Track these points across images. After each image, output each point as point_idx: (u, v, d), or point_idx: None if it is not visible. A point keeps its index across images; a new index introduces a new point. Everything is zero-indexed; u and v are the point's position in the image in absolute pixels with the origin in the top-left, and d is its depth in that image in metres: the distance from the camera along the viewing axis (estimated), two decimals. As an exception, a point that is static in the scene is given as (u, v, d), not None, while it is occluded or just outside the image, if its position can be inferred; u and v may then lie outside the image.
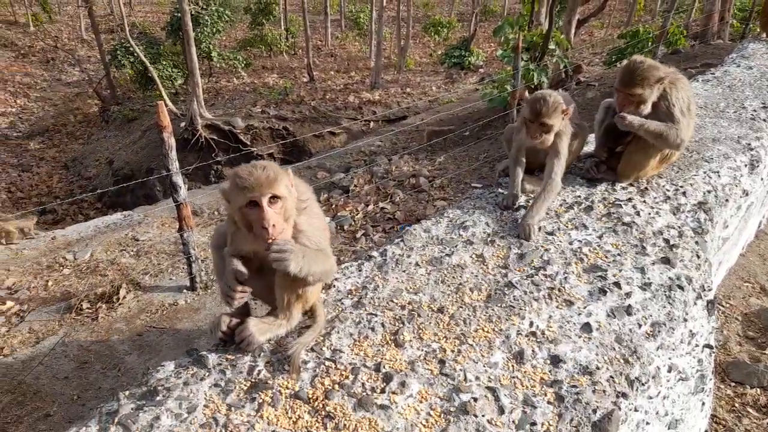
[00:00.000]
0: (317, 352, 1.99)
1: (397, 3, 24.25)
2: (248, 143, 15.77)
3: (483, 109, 12.76)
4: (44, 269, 6.36)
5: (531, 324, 2.13)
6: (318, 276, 1.91)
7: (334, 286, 2.42)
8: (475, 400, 1.78)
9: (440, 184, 9.10)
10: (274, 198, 1.71)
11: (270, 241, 1.72)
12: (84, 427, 1.70)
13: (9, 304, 5.58)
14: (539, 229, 2.78)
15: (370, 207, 8.49)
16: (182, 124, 15.43)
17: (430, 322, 2.14)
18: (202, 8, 18.02)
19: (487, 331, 2.08)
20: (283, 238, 1.76)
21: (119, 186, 12.60)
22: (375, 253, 2.69)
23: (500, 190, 3.34)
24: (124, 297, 5.54)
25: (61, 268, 6.35)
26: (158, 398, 1.78)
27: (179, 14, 15.69)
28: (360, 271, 2.55)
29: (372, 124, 16.89)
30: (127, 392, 1.84)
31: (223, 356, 1.97)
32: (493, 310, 2.20)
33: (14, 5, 34.87)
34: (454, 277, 2.43)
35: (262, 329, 1.97)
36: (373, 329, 2.10)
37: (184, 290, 5.72)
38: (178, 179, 4.96)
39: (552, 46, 10.38)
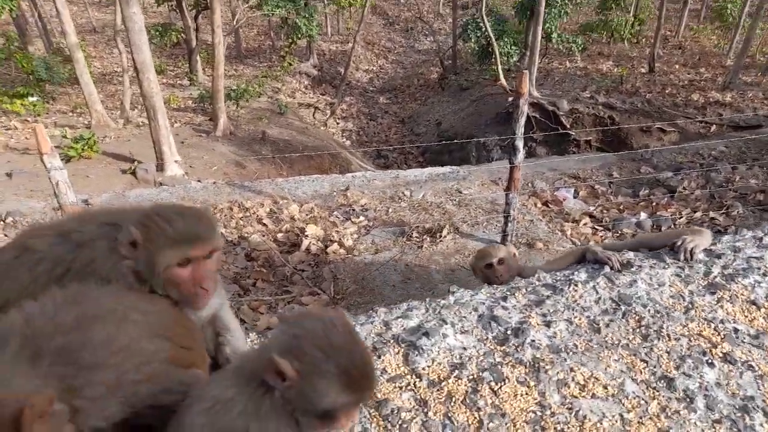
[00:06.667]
0: None
1: (788, -10, 19.97)
2: (567, 126, 15.63)
3: None
4: (387, 198, 7.75)
5: None
6: None
7: None
8: None
9: (799, 210, 7.56)
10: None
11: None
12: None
13: (361, 218, 7.03)
14: None
15: (698, 214, 7.62)
16: (510, 99, 16.17)
17: None
18: (555, -11, 18.19)
19: None
20: None
21: (443, 143, 14.11)
22: None
23: None
24: (445, 236, 6.38)
25: (400, 200, 7.64)
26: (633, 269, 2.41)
27: (533, -7, 16.22)
28: None
29: (714, 127, 14.74)
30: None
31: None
32: None
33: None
34: None
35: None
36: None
37: (495, 244, 6.26)
38: (519, 143, 5.39)
39: None
